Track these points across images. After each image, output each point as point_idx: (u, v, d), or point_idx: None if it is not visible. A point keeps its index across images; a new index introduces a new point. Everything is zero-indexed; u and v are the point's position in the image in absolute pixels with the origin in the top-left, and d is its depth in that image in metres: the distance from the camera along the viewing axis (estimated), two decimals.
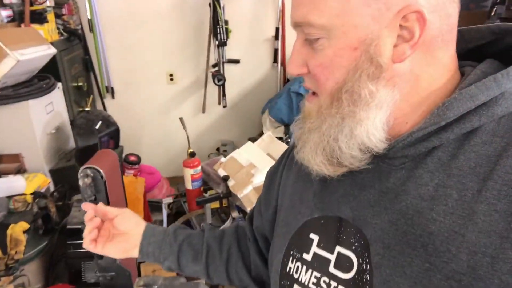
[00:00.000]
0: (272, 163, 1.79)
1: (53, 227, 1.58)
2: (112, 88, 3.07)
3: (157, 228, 0.83)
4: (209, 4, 2.77)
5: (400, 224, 0.47)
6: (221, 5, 2.72)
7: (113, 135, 2.18)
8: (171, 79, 3.11)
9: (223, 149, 3.15)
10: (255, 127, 3.20)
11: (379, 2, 0.46)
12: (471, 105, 0.46)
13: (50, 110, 1.99)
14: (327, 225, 0.56)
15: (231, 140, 3.27)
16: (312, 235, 0.57)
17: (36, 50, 1.83)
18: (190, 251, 0.81)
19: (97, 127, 2.05)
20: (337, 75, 0.49)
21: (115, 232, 0.80)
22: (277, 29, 2.88)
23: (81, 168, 1.15)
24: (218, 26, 2.78)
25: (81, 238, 0.79)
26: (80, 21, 2.79)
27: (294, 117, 2.38)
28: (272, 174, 0.76)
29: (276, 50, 2.95)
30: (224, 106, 3.11)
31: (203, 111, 3.17)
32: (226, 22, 2.85)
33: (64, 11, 2.58)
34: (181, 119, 2.16)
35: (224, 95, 3.06)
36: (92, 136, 2.02)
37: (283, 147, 1.99)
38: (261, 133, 2.54)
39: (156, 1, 2.88)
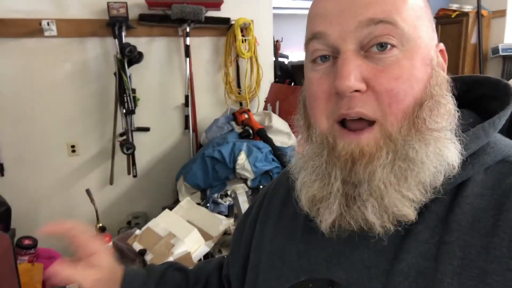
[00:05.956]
0: (192, 230, 1.68)
1: None
2: (1, 164, 2.71)
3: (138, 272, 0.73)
4: (114, 73, 2.71)
5: (403, 287, 0.42)
6: (128, 74, 2.68)
7: (2, 216, 1.88)
8: (73, 151, 2.87)
9: (135, 221, 2.91)
10: (169, 196, 3.06)
11: (432, 23, 0.47)
12: (464, 153, 0.44)
13: None
14: None
15: (143, 212, 3.05)
16: None
17: None
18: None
19: None
20: (416, 89, 0.44)
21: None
22: (186, 97, 2.92)
23: None
24: (125, 95, 2.70)
25: None
26: None
27: (210, 181, 2.33)
28: (240, 227, 0.68)
29: (187, 117, 2.96)
30: (134, 176, 2.94)
31: (111, 183, 2.95)
32: (134, 91, 2.80)
33: None
34: (87, 190, 1.96)
35: (134, 164, 2.90)
36: None
37: (203, 211, 1.91)
38: (177, 201, 2.43)
39: (54, 69, 2.73)
